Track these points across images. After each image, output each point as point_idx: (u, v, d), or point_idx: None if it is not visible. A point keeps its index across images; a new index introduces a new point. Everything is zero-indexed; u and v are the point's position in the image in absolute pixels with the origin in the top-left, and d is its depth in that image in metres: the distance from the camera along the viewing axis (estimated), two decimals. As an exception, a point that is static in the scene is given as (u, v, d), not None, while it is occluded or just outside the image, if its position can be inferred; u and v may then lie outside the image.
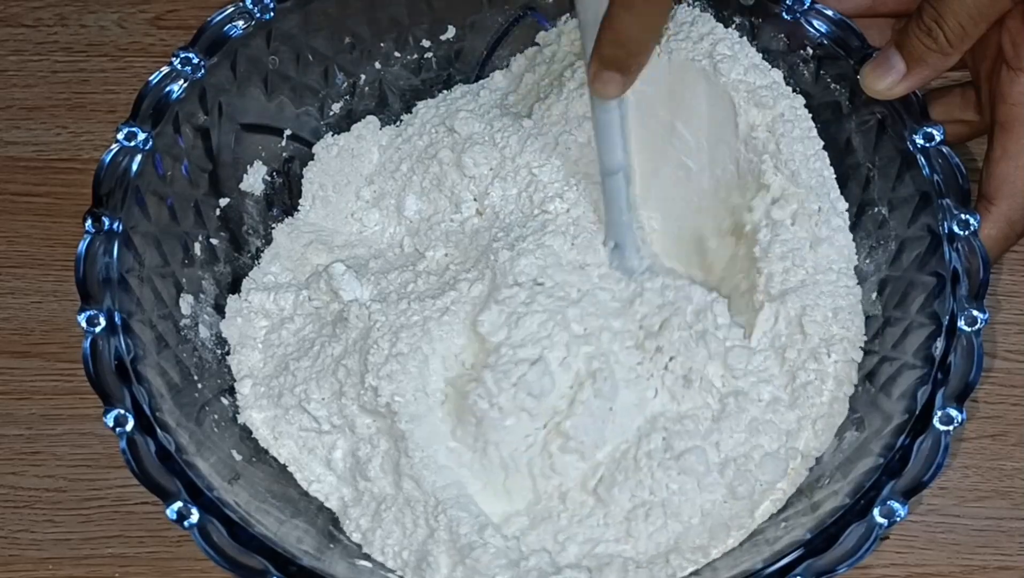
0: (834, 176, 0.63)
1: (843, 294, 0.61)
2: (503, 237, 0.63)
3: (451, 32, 0.69)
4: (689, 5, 0.65)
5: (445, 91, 0.70)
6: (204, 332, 0.62)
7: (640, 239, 0.64)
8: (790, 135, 0.62)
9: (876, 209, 0.62)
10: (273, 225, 0.67)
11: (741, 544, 0.57)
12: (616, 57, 0.57)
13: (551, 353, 0.59)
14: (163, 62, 0.62)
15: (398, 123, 0.70)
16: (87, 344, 0.55)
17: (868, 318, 0.61)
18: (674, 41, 0.63)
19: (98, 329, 0.55)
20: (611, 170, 0.61)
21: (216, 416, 0.60)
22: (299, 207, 0.68)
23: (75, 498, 0.64)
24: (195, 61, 0.62)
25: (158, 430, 0.54)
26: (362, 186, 0.68)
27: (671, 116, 0.63)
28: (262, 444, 0.61)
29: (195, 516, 0.52)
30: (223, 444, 0.59)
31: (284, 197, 0.68)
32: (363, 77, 0.69)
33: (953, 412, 0.54)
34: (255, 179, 0.66)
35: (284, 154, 0.68)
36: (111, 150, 0.59)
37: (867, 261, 0.62)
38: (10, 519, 0.64)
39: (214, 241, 0.64)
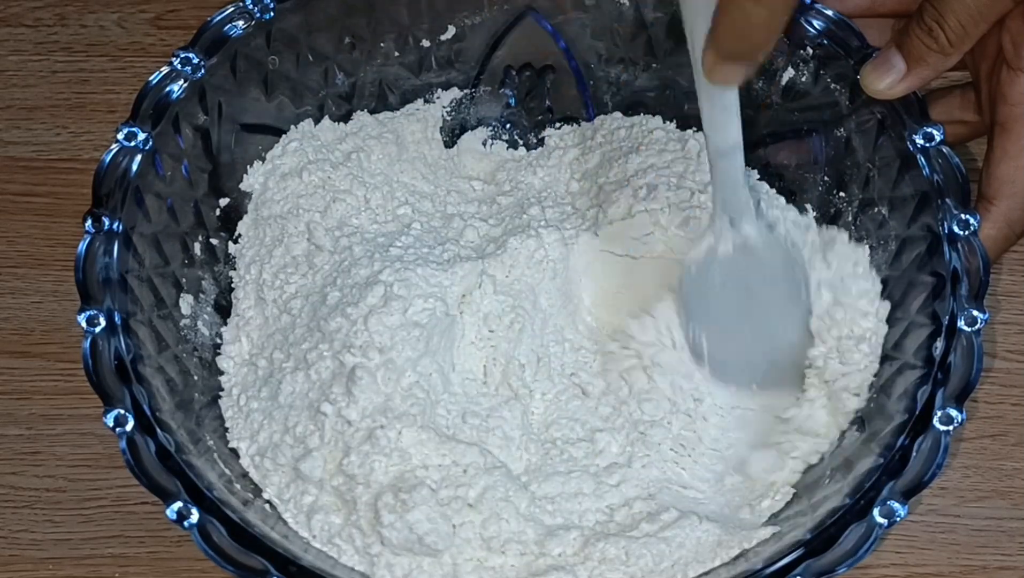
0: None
1: None
2: None
3: (451, 32, 0.69)
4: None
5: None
6: (204, 332, 0.62)
7: (753, 205, 0.61)
8: None
9: (876, 209, 0.62)
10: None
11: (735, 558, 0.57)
12: (738, 50, 0.52)
13: None
14: (163, 62, 0.62)
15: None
16: (87, 344, 0.55)
17: (868, 318, 0.61)
18: None
19: (98, 329, 0.55)
20: (726, 149, 0.57)
21: (216, 415, 0.60)
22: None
23: (75, 498, 0.64)
24: (195, 61, 0.62)
25: (158, 430, 0.54)
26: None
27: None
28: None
29: (195, 516, 0.52)
30: (222, 443, 0.59)
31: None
32: (363, 77, 0.69)
33: (953, 412, 0.54)
34: (255, 179, 0.66)
35: (284, 154, 0.68)
36: (111, 150, 0.59)
37: (868, 261, 0.62)
38: (10, 519, 0.64)
39: (214, 241, 0.64)
